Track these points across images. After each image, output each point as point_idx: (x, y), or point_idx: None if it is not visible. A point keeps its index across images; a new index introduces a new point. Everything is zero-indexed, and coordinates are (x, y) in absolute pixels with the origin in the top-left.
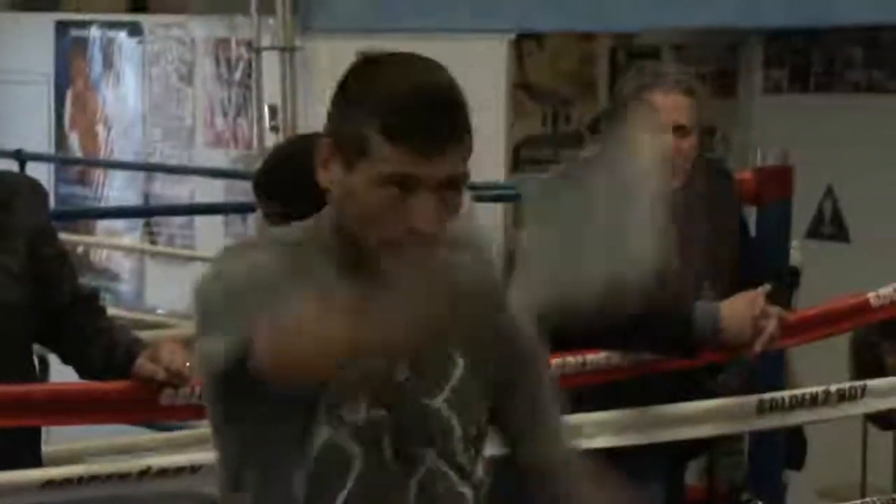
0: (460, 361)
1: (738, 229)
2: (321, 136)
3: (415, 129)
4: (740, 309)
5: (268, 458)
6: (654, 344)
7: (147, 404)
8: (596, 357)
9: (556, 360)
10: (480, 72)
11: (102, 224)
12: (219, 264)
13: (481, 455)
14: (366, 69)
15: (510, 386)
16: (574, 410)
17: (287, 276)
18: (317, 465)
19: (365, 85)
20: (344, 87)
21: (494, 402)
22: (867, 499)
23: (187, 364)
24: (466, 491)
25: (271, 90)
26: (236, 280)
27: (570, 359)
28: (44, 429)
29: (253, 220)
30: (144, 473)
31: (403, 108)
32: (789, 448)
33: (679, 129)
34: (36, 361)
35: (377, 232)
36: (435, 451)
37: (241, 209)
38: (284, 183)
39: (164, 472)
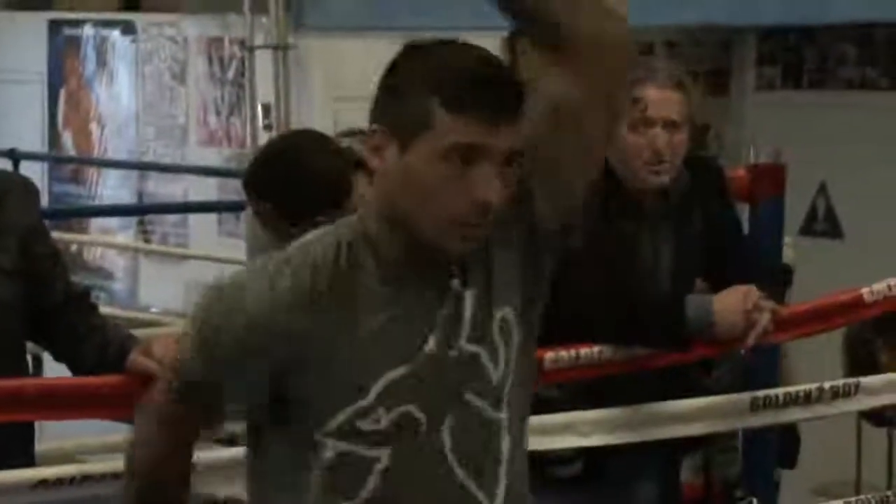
0: (470, 296)
1: (730, 225)
2: (358, 129)
3: (479, 99)
4: (733, 302)
5: (278, 463)
6: (646, 337)
7: (140, 399)
8: (589, 351)
9: (549, 355)
10: None
11: (96, 222)
12: (230, 291)
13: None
14: (418, 53)
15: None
16: (568, 408)
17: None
18: (328, 476)
19: (422, 64)
20: (395, 71)
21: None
22: (862, 496)
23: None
24: (502, 416)
25: (264, 89)
26: (220, 330)
27: (564, 353)
28: (36, 427)
29: (244, 219)
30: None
31: (466, 79)
32: (782, 446)
33: (670, 125)
34: (29, 360)
35: (439, 210)
36: (475, 392)
37: (235, 207)
38: (276, 181)
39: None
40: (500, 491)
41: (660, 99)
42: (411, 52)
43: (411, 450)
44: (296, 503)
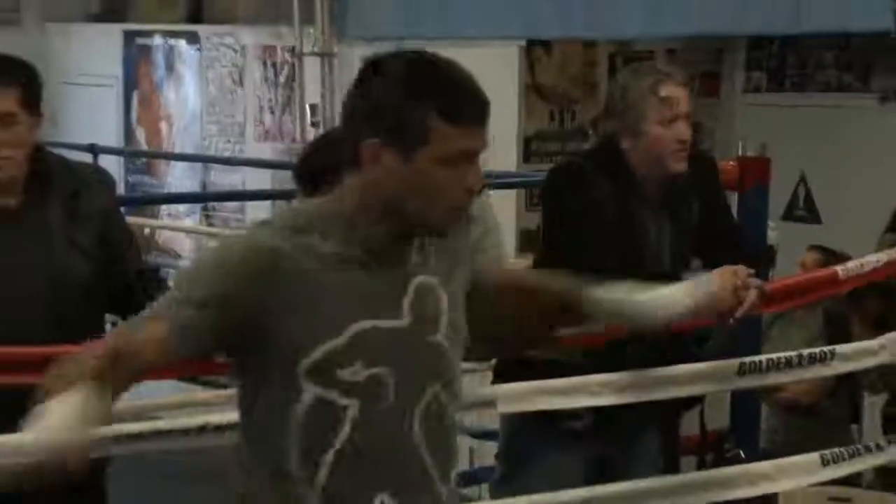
0: (443, 292)
1: (722, 211)
2: (358, 139)
3: (469, 110)
4: (725, 278)
5: (263, 412)
6: None
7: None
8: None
9: None
10: (496, 75)
11: (165, 208)
12: (220, 251)
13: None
14: (397, 69)
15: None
16: (580, 372)
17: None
18: (306, 419)
19: (410, 79)
20: (379, 87)
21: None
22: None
23: None
24: (454, 407)
25: (312, 91)
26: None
27: None
28: None
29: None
30: (203, 429)
31: (458, 93)
32: None
33: (686, 117)
34: (109, 328)
35: (444, 202)
36: (439, 381)
37: (286, 195)
38: (312, 172)
39: (220, 428)
40: (452, 477)
41: (681, 96)
42: (386, 67)
43: (381, 409)
44: (279, 450)
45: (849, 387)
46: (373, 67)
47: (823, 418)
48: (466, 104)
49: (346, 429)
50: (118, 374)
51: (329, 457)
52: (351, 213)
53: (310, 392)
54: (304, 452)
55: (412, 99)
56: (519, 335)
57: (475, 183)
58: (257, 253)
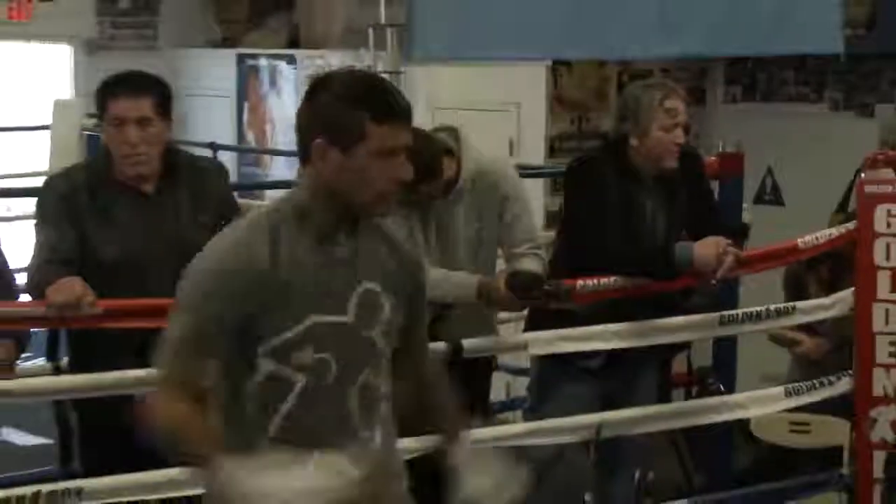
0: (386, 301)
1: (706, 196)
2: (309, 141)
3: (395, 111)
4: (708, 247)
5: (229, 378)
6: (647, 271)
7: None
8: (607, 281)
9: (579, 283)
10: (528, 88)
11: (270, 193)
12: (207, 257)
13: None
14: (337, 82)
15: (410, 313)
16: (592, 322)
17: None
18: (261, 389)
19: (346, 89)
20: (323, 97)
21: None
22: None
23: None
24: (383, 384)
25: None
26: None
27: (589, 282)
28: None
29: None
30: None
31: (384, 97)
32: None
33: (684, 125)
34: None
35: (375, 190)
36: (370, 368)
37: None
38: None
39: None
40: (378, 436)
41: (681, 108)
42: (330, 82)
43: (324, 385)
44: (239, 414)
45: (849, 344)
46: (319, 83)
47: (831, 369)
48: (392, 108)
49: (294, 398)
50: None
51: (276, 422)
52: (306, 204)
53: (265, 367)
54: (257, 415)
55: (350, 106)
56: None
57: (403, 175)
58: (237, 257)
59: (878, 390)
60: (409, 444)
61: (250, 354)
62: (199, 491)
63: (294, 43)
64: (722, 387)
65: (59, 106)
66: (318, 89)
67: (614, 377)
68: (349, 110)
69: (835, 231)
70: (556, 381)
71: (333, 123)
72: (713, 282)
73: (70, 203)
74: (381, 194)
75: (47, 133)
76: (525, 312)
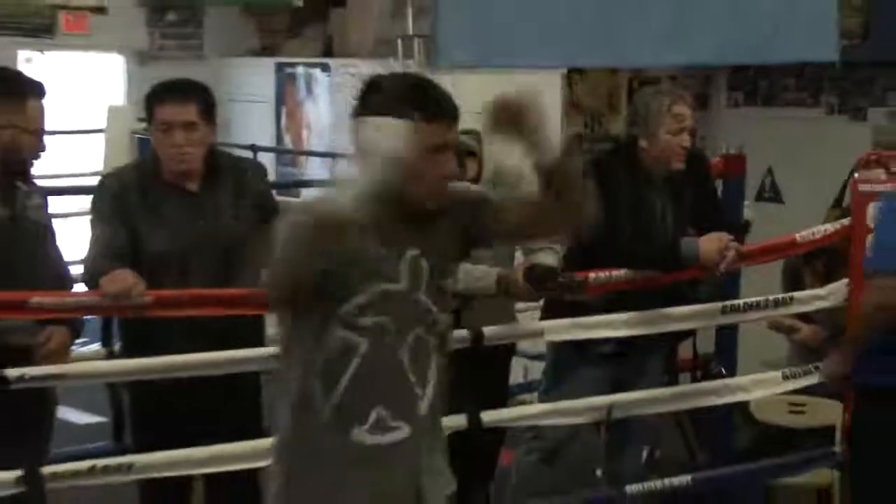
0: (425, 262)
1: (711, 194)
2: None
3: (443, 112)
4: (712, 242)
5: (298, 346)
6: (656, 264)
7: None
8: (618, 273)
9: (591, 275)
10: (546, 94)
11: (305, 191)
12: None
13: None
14: (390, 83)
15: (489, 216)
16: (603, 311)
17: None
18: (330, 353)
19: (399, 90)
20: (377, 97)
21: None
22: (787, 368)
23: None
24: (433, 341)
25: None
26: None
27: (602, 274)
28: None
29: None
30: None
31: (434, 100)
32: None
33: (690, 129)
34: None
35: (424, 185)
36: (422, 326)
37: None
38: None
39: None
40: (430, 390)
41: (687, 114)
42: (382, 84)
43: (382, 344)
44: (305, 376)
45: (843, 332)
46: (371, 84)
47: (826, 354)
48: (439, 108)
49: (357, 360)
50: None
51: (344, 381)
52: (365, 192)
53: (337, 333)
54: (324, 377)
55: (399, 105)
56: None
57: (449, 172)
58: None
59: None
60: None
61: (324, 323)
62: (241, 466)
63: (328, 52)
64: (724, 371)
65: (113, 111)
66: (370, 90)
67: (624, 362)
68: (399, 109)
69: (830, 227)
70: (570, 366)
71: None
72: (717, 274)
73: (121, 201)
74: (432, 188)
75: (101, 136)
76: (541, 302)
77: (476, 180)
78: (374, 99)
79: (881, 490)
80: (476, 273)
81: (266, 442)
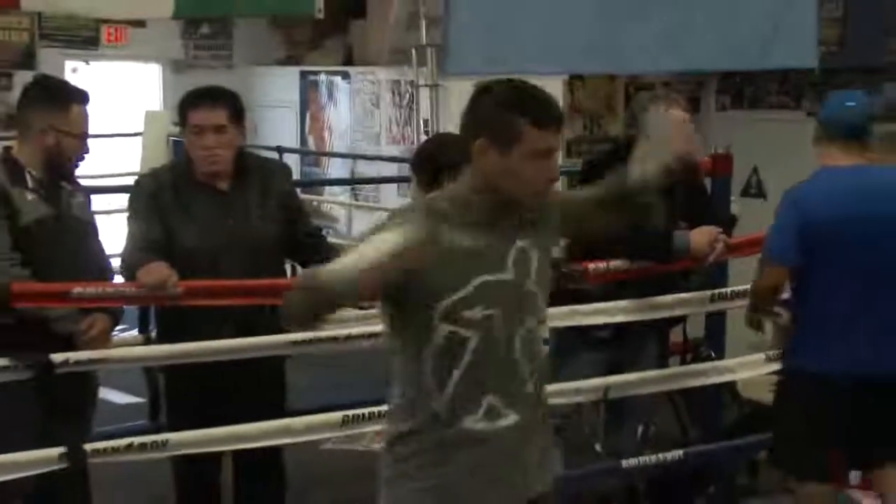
0: (534, 255)
1: (701, 191)
2: (471, 141)
3: (549, 118)
4: (702, 235)
5: (407, 340)
6: (649, 255)
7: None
8: (615, 263)
9: (591, 265)
10: None
11: (328, 189)
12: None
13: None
14: (500, 89)
15: (572, 204)
16: (601, 299)
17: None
18: (439, 348)
19: (507, 96)
20: (486, 102)
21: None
22: (771, 351)
23: None
24: (541, 329)
25: (424, 110)
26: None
27: (601, 264)
28: None
29: (411, 186)
30: (349, 338)
31: (542, 105)
32: None
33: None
34: (288, 269)
35: (529, 188)
36: (530, 316)
37: (407, 180)
38: (422, 163)
39: (361, 337)
40: (537, 375)
41: (682, 117)
42: (493, 90)
43: (492, 337)
44: (417, 372)
45: None
46: (482, 90)
47: None
48: (547, 115)
49: (469, 354)
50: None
51: (456, 374)
52: (468, 194)
53: (443, 329)
54: (436, 372)
55: (509, 111)
56: (604, 234)
57: (553, 175)
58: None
59: None
60: None
61: (427, 319)
62: (266, 443)
63: (349, 61)
64: (713, 354)
65: (150, 116)
66: (481, 96)
67: (621, 346)
68: (509, 115)
69: None
70: (571, 350)
71: (494, 126)
72: (707, 265)
73: (157, 199)
74: (535, 190)
75: (139, 139)
76: None
77: None
78: (485, 103)
79: None
80: None
81: (287, 421)
